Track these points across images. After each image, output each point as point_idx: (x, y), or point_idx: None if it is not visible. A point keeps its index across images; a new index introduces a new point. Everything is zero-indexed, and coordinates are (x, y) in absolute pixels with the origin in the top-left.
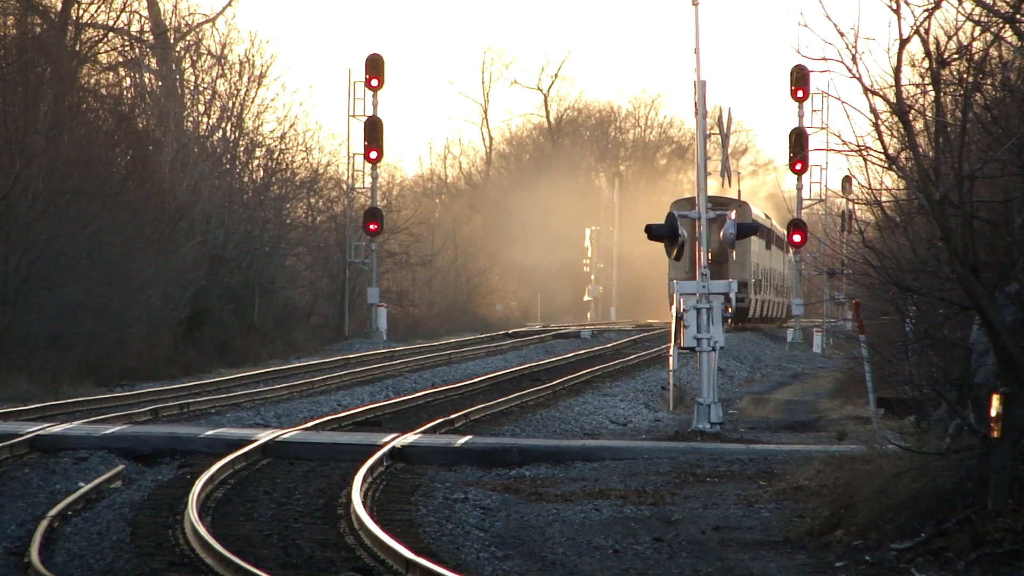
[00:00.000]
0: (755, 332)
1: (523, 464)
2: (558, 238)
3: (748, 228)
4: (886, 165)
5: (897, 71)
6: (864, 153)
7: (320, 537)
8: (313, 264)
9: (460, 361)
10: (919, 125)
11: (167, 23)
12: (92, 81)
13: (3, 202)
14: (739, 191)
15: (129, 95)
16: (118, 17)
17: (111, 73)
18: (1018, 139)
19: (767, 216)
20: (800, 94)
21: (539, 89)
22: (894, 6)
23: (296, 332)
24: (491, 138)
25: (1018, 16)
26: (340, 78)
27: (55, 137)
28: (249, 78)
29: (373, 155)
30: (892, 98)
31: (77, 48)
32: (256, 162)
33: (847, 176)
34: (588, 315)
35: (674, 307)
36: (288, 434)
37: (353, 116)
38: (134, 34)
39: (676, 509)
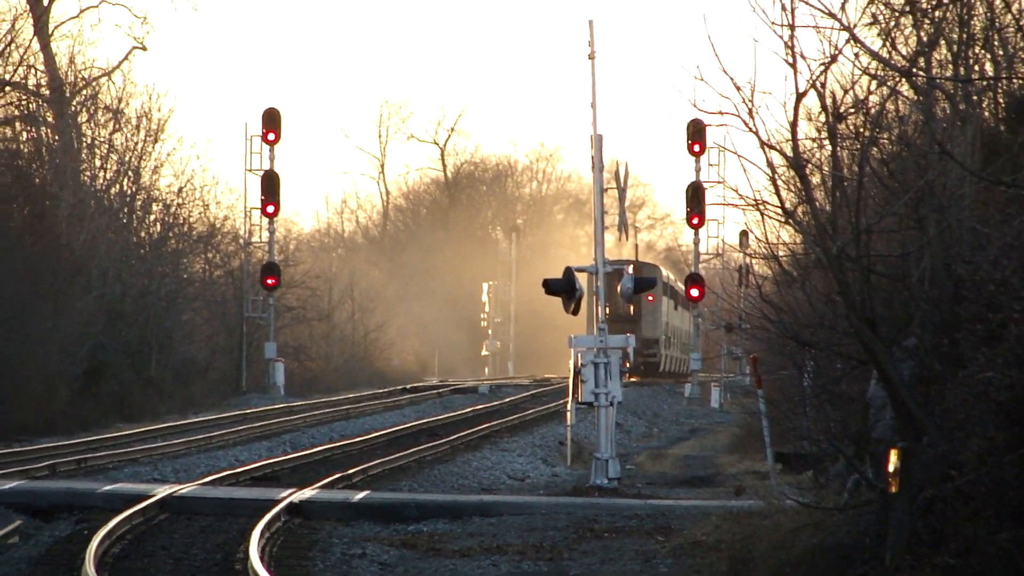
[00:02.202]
0: (653, 387)
1: (421, 519)
2: (456, 292)
3: (645, 283)
4: (783, 219)
5: (794, 125)
6: (761, 207)
7: None
8: (210, 319)
9: (358, 416)
10: (816, 179)
11: (64, 77)
12: None
13: None
14: (636, 245)
15: (26, 150)
16: (15, 71)
17: (7, 127)
18: (915, 193)
19: (675, 279)
20: (697, 148)
21: (436, 143)
22: (791, 60)
23: (194, 387)
24: (388, 192)
25: (915, 70)
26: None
27: None
28: (146, 132)
29: (270, 209)
30: (789, 152)
31: None
32: (153, 216)
33: (744, 230)
34: (486, 370)
35: (572, 361)
36: (186, 489)
37: (250, 170)
38: (31, 88)
39: (573, 564)
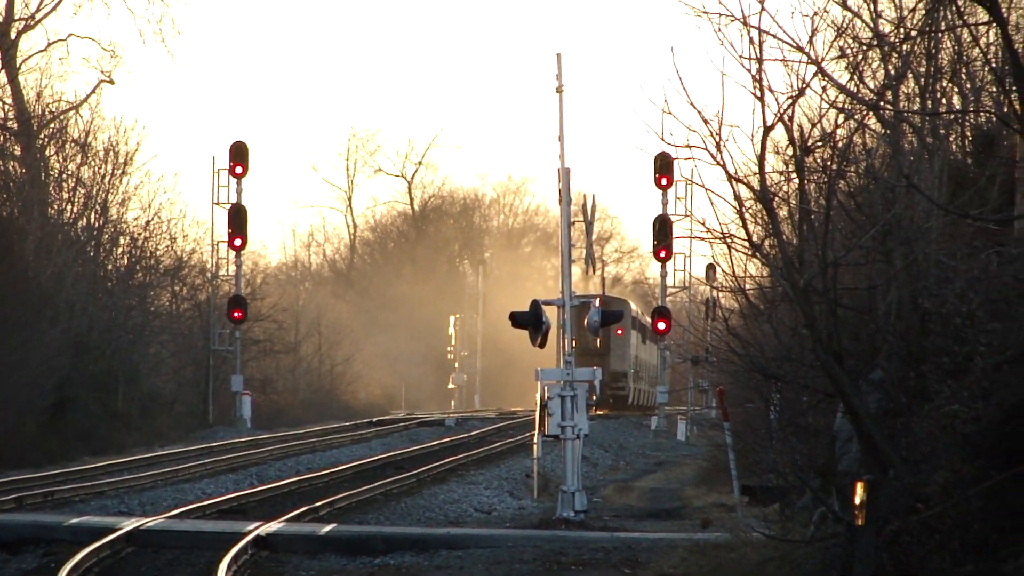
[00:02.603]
0: (620, 420)
1: (388, 552)
2: (422, 325)
3: (612, 316)
4: (750, 252)
5: (761, 158)
6: (728, 240)
7: None
8: (177, 352)
9: (324, 449)
10: (783, 212)
11: (31, 110)
12: None
13: None
14: (603, 278)
15: None
16: None
17: None
18: (882, 226)
19: (642, 313)
20: (664, 181)
21: (403, 176)
22: (758, 93)
23: (160, 420)
24: (355, 225)
25: (882, 103)
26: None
27: None
28: (113, 165)
29: (237, 243)
30: (756, 185)
31: None
32: (120, 250)
33: (711, 264)
34: (452, 403)
35: (538, 394)
36: (153, 522)
37: (217, 204)
38: None
39: None
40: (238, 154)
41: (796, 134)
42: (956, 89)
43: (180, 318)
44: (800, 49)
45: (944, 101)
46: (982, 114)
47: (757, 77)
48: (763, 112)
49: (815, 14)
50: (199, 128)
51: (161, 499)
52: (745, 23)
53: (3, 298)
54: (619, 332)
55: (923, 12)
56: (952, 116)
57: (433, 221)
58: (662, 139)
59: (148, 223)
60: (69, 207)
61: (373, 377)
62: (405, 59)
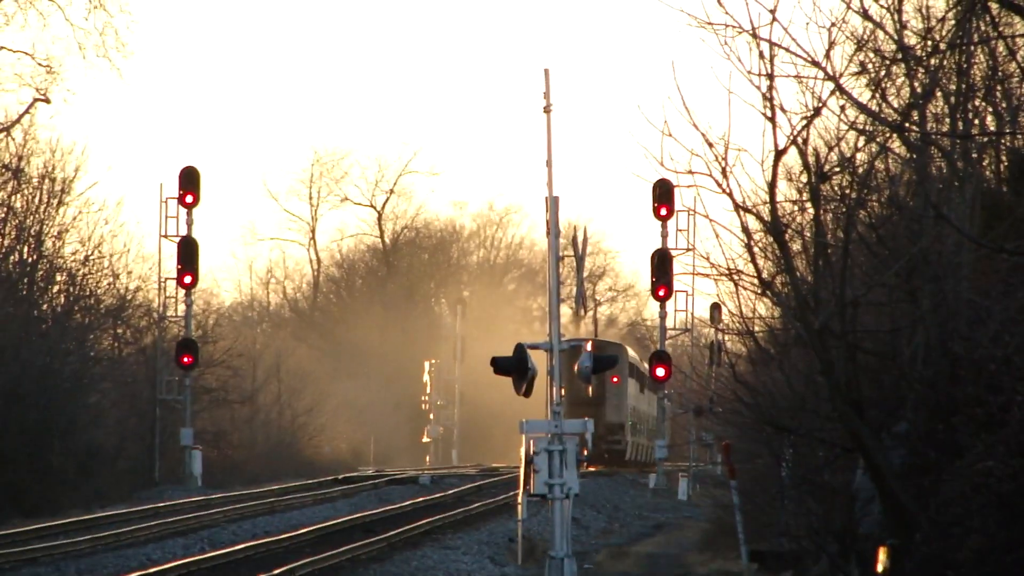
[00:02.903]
0: (614, 477)
1: None
2: (394, 372)
3: (605, 362)
4: (759, 291)
5: (772, 185)
6: (735, 277)
7: None
8: (119, 401)
9: (284, 510)
10: (796, 246)
11: None
12: None
13: None
14: (595, 320)
15: None
16: None
17: None
18: (907, 261)
19: (640, 360)
20: (664, 211)
21: (372, 206)
22: (769, 113)
23: (101, 477)
24: (319, 260)
25: (907, 124)
26: (151, 193)
27: None
28: (49, 193)
29: (187, 280)
30: (767, 216)
31: None
32: (56, 288)
33: (716, 303)
34: (427, 458)
35: (523, 449)
36: None
37: (165, 236)
38: None
39: None
40: (188, 181)
41: (811, 159)
42: (990, 108)
43: (123, 364)
44: (816, 64)
45: (976, 122)
46: (1019, 136)
47: (768, 95)
48: (774, 134)
49: (832, 25)
50: (146, 153)
51: (101, 566)
52: (754, 35)
53: None
54: (615, 380)
55: (953, 23)
56: (986, 138)
57: (406, 256)
58: (661, 164)
59: (88, 258)
60: None
61: (339, 429)
62: (375, 75)
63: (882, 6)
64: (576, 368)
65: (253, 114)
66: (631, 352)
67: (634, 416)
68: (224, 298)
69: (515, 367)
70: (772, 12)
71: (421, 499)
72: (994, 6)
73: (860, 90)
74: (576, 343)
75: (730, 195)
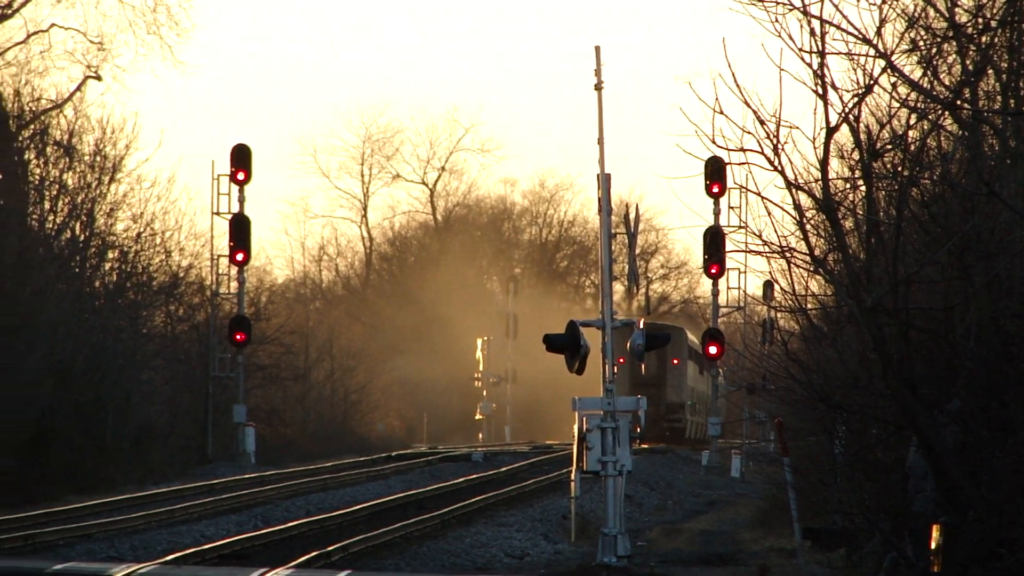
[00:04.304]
0: (667, 455)
1: None
2: (447, 349)
3: (658, 339)
4: (812, 268)
5: (824, 163)
6: (787, 255)
7: None
8: (172, 379)
9: (337, 487)
10: (849, 224)
11: (8, 110)
12: None
13: None
14: (647, 297)
15: None
16: None
17: None
18: (959, 239)
19: (698, 343)
20: (716, 189)
21: (424, 183)
22: (820, 91)
23: (154, 454)
24: (371, 238)
25: (959, 102)
26: (203, 170)
27: None
28: (101, 171)
29: (240, 257)
30: (818, 193)
31: None
32: (109, 265)
33: (769, 281)
34: (480, 435)
35: (576, 426)
36: (145, 569)
37: (217, 213)
38: None
39: None
40: (240, 158)
41: (863, 136)
42: None
43: (176, 341)
44: (867, 41)
45: None
46: None
47: (819, 72)
48: (826, 111)
49: (884, 3)
50: (197, 130)
51: (155, 543)
52: (805, 12)
53: None
54: (675, 361)
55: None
56: None
57: (458, 233)
58: (713, 142)
59: (139, 235)
60: (51, 217)
61: (392, 407)
62: (426, 54)
63: None
64: (628, 345)
65: (305, 92)
66: (690, 335)
67: (693, 396)
68: (277, 275)
69: (568, 344)
70: None
71: (474, 476)
72: None
73: (911, 67)
74: (629, 322)
75: (782, 173)
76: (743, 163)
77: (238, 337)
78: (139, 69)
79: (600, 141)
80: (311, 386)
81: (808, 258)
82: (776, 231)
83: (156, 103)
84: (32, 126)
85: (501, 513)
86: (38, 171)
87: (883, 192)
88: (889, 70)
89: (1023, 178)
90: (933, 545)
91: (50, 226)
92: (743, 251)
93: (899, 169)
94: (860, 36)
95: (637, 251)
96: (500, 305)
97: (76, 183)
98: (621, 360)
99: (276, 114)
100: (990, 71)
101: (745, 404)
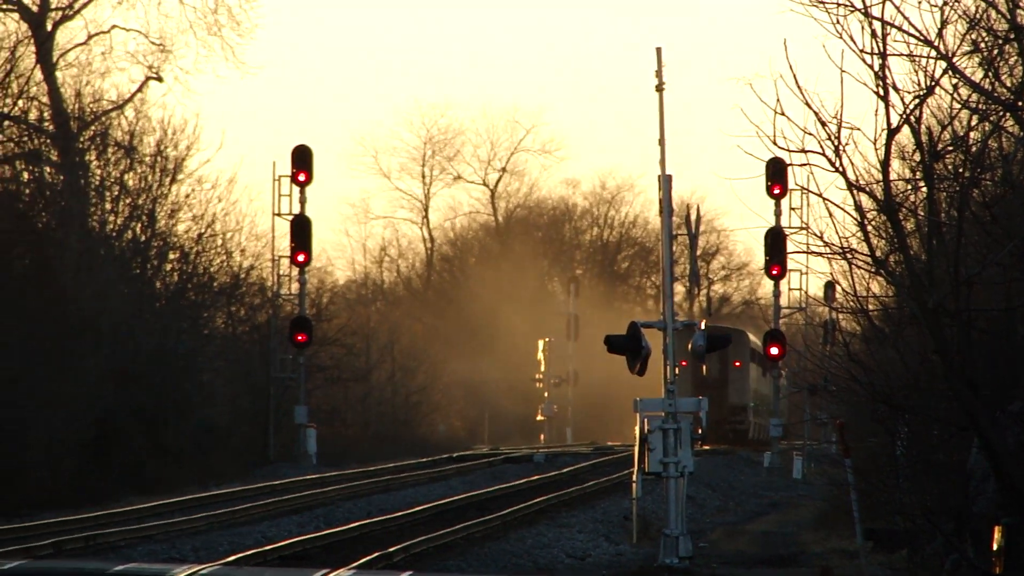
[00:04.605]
0: (728, 456)
1: None
2: (508, 351)
3: (719, 340)
4: (873, 269)
5: (885, 164)
6: (849, 256)
7: None
8: (233, 380)
9: (399, 488)
10: (910, 225)
11: (69, 111)
12: None
13: None
14: (708, 298)
15: (27, 191)
16: (14, 104)
17: (6, 166)
18: (1021, 240)
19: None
20: (777, 190)
21: (485, 184)
22: (882, 92)
23: (215, 455)
24: (432, 239)
25: (1020, 103)
26: (264, 171)
27: None
28: (162, 172)
29: (301, 258)
30: (880, 195)
31: None
32: (170, 266)
33: (830, 282)
34: (541, 436)
35: (638, 428)
36: (207, 570)
37: (278, 215)
38: (33, 123)
39: None
40: (301, 159)
41: (924, 137)
42: None
43: (237, 342)
44: (928, 43)
45: None
46: None
47: (880, 74)
48: (887, 113)
49: (945, 4)
50: (259, 130)
51: (216, 544)
52: (867, 14)
53: (39, 321)
54: (737, 364)
55: None
56: None
57: (519, 234)
58: (774, 143)
59: (200, 236)
60: (112, 218)
61: (453, 408)
62: (487, 55)
63: None
64: (689, 346)
65: (366, 92)
66: (752, 337)
67: (756, 398)
68: (338, 276)
69: (629, 346)
70: None
71: (536, 477)
72: None
73: (973, 69)
74: (690, 323)
75: (843, 174)
76: (804, 164)
77: (299, 338)
78: (200, 70)
79: (661, 142)
80: (372, 387)
81: (869, 259)
82: (837, 232)
83: (217, 103)
84: (93, 127)
85: (563, 514)
86: (99, 172)
87: (944, 193)
88: (950, 71)
89: None
90: (995, 546)
91: (111, 227)
92: (804, 252)
93: (960, 170)
94: (921, 37)
95: (698, 252)
96: (561, 306)
97: (137, 184)
98: (684, 363)
99: (337, 115)
100: None
101: (806, 405)
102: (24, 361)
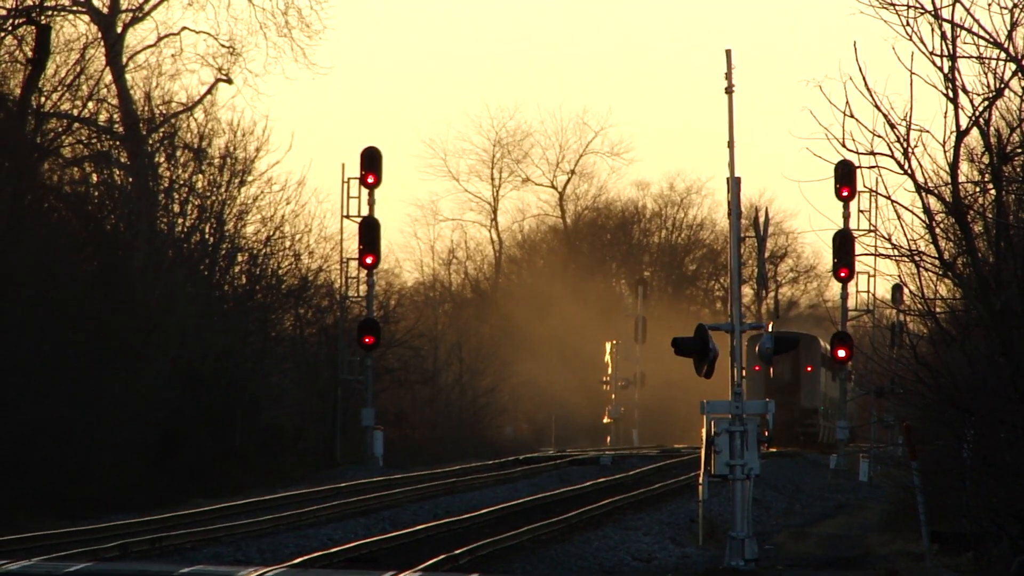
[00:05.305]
0: (794, 458)
1: None
2: (575, 353)
3: (786, 343)
4: (941, 272)
5: (954, 167)
6: (916, 258)
7: None
8: (301, 381)
9: (465, 490)
10: (978, 227)
11: (139, 113)
12: (55, 177)
13: None
14: (776, 300)
15: (96, 193)
16: (84, 106)
17: (76, 168)
18: None
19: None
20: (845, 193)
21: (554, 187)
22: (951, 94)
23: (282, 457)
24: (501, 241)
25: None
26: (333, 173)
27: (12, 239)
28: (231, 174)
29: (369, 260)
30: (948, 197)
31: (38, 140)
32: (238, 268)
33: (898, 284)
34: (608, 439)
35: (704, 430)
36: (273, 572)
37: (347, 217)
38: (102, 125)
39: None
40: (370, 161)
41: (993, 140)
42: None
43: (304, 344)
44: (998, 45)
45: None
46: None
47: (950, 76)
48: (956, 115)
49: (1015, 6)
50: (328, 131)
51: (282, 546)
52: (937, 16)
53: (107, 321)
54: (809, 369)
55: None
56: None
57: (587, 236)
58: (843, 145)
59: (269, 238)
60: (181, 220)
61: (520, 410)
62: (555, 57)
63: None
64: (757, 348)
65: (434, 95)
66: (822, 342)
67: (826, 402)
68: (406, 278)
69: (696, 348)
70: None
71: (602, 480)
72: None
73: None
74: (759, 325)
75: (912, 176)
76: (873, 167)
77: (367, 340)
78: (270, 72)
79: (730, 144)
80: (439, 389)
81: (937, 262)
82: (905, 235)
83: (287, 105)
84: (162, 129)
85: (629, 517)
86: (168, 174)
87: (1013, 196)
88: (1020, 74)
89: None
90: None
91: (180, 229)
92: (872, 255)
93: None
94: (991, 40)
95: (766, 255)
96: (629, 308)
97: (205, 186)
98: (756, 368)
99: (406, 117)
100: None
101: (873, 408)
102: (92, 363)
